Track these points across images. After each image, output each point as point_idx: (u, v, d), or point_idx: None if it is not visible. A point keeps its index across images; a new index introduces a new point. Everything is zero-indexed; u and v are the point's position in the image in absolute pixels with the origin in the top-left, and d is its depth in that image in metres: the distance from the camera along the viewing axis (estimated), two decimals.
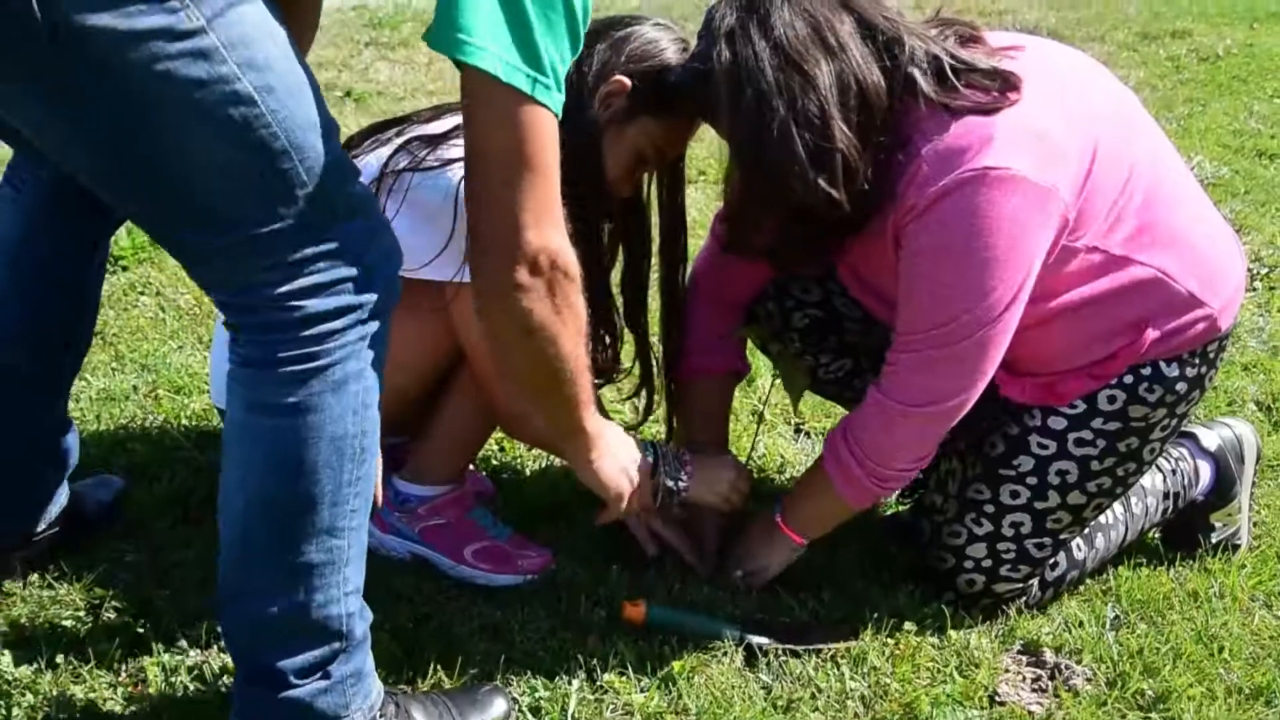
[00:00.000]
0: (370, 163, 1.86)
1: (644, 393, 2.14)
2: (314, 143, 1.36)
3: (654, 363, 2.13)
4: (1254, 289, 3.36)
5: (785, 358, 2.18)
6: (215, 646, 1.81)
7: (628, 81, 1.83)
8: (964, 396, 1.79)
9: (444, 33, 1.37)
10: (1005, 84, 1.71)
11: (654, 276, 2.11)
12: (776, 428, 2.57)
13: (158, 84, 1.25)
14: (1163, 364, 1.88)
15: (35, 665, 1.77)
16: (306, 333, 1.40)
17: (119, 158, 1.33)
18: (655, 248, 2.07)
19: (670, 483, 1.98)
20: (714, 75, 1.70)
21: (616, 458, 1.87)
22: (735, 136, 1.74)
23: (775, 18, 1.68)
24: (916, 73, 1.70)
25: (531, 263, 1.47)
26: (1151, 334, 1.85)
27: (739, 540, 2.06)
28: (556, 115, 1.43)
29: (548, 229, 1.47)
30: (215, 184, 1.33)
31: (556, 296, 1.52)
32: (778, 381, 2.69)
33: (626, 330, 2.10)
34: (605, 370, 2.09)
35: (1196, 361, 1.90)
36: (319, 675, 1.53)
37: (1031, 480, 1.94)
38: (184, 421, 2.42)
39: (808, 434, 2.57)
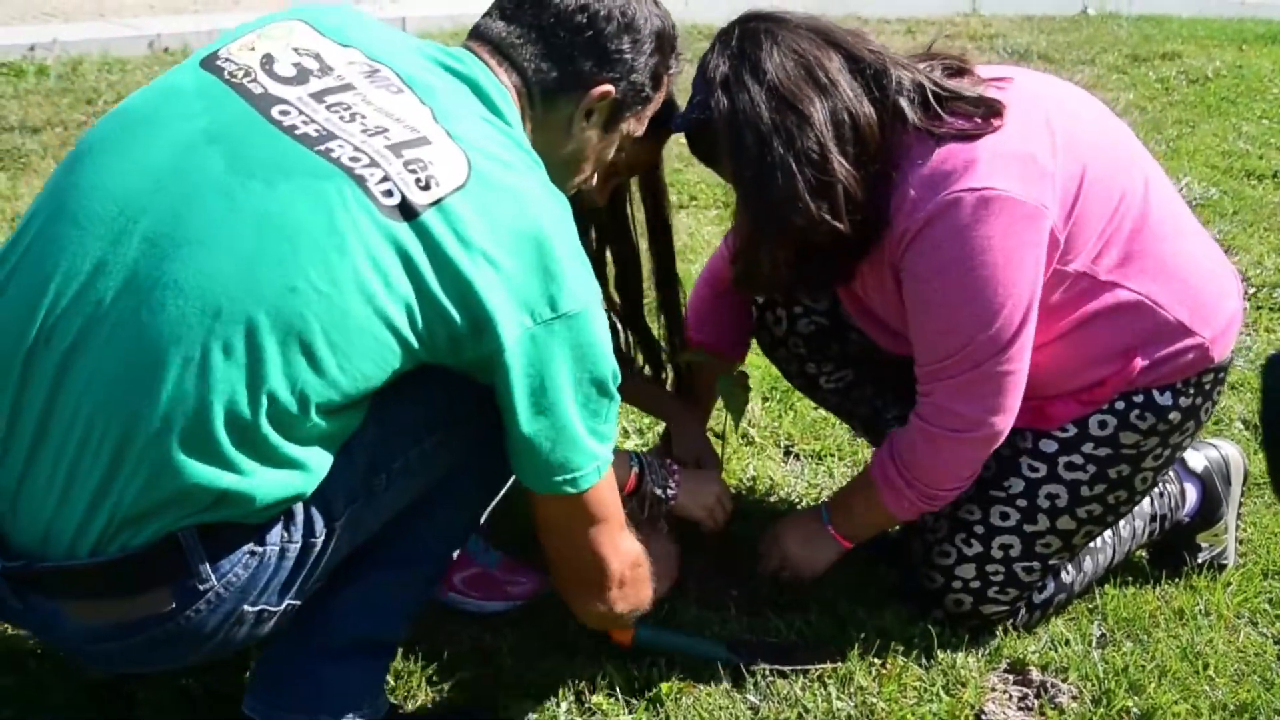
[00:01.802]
0: None
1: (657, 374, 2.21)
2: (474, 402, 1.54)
3: (661, 351, 2.20)
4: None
5: (724, 376, 2.19)
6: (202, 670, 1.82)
7: None
8: (1005, 414, 1.82)
9: (556, 475, 1.50)
10: (989, 110, 1.74)
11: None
12: (766, 450, 2.58)
13: None
14: (1155, 392, 1.89)
15: (29, 696, 1.78)
16: None
17: None
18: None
19: (658, 491, 2.00)
20: (713, 123, 1.74)
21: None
22: (739, 179, 1.77)
23: (766, 61, 1.72)
24: (904, 101, 1.73)
25: (619, 581, 1.64)
26: (1140, 362, 1.86)
27: (774, 540, 2.08)
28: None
29: (623, 546, 1.63)
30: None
31: (638, 583, 1.69)
32: (767, 404, 2.72)
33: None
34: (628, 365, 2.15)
35: (1191, 392, 1.91)
36: (365, 655, 1.64)
37: (1021, 503, 1.95)
38: None
39: (797, 456, 2.59)
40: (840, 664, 1.91)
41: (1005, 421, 1.82)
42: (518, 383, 1.43)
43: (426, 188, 1.38)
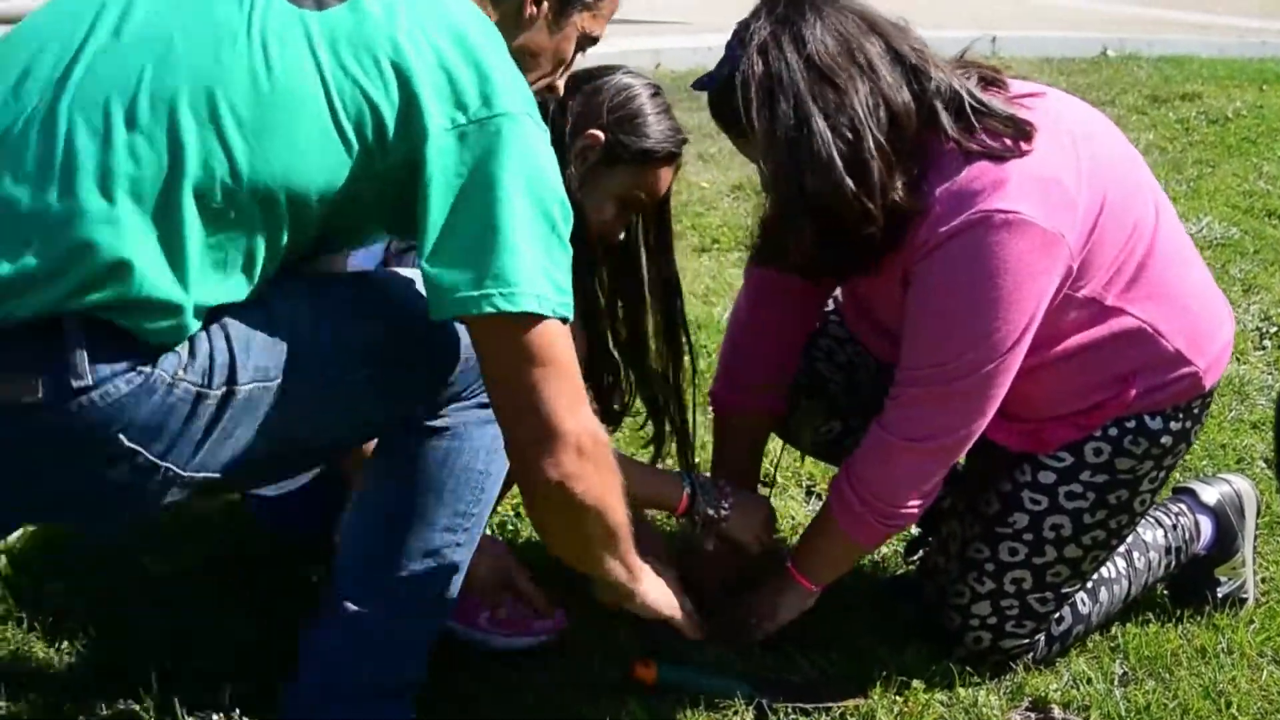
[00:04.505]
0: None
1: (654, 430, 2.18)
2: (423, 356, 1.56)
3: (660, 401, 2.16)
4: (1263, 347, 3.38)
5: (806, 409, 2.21)
6: (237, 710, 1.84)
7: (601, 135, 1.90)
8: (963, 433, 1.82)
9: (483, 288, 1.40)
10: (1019, 132, 1.75)
11: None
12: (788, 490, 2.60)
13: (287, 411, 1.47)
14: (1146, 417, 1.91)
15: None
16: (470, 376, 1.60)
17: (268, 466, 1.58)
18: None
19: (711, 511, 2.01)
20: (745, 85, 1.73)
21: (655, 580, 1.84)
22: (770, 146, 1.74)
23: (808, 33, 1.72)
24: (939, 106, 1.74)
25: (576, 448, 1.48)
26: (1137, 388, 1.88)
27: (753, 591, 2.07)
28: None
29: (581, 411, 1.49)
30: (362, 427, 1.63)
31: (601, 469, 1.53)
32: (788, 445, 2.73)
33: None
34: (615, 416, 2.16)
35: (1180, 416, 1.93)
36: (381, 699, 1.65)
37: (1028, 536, 1.97)
38: None
39: (819, 496, 2.60)
40: (862, 702, 1.92)
41: (962, 441, 1.83)
42: (443, 177, 1.40)
43: None
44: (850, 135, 1.70)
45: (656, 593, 1.83)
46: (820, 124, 1.70)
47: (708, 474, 2.17)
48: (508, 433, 1.51)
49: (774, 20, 1.75)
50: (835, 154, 1.69)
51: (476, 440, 1.64)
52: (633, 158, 1.93)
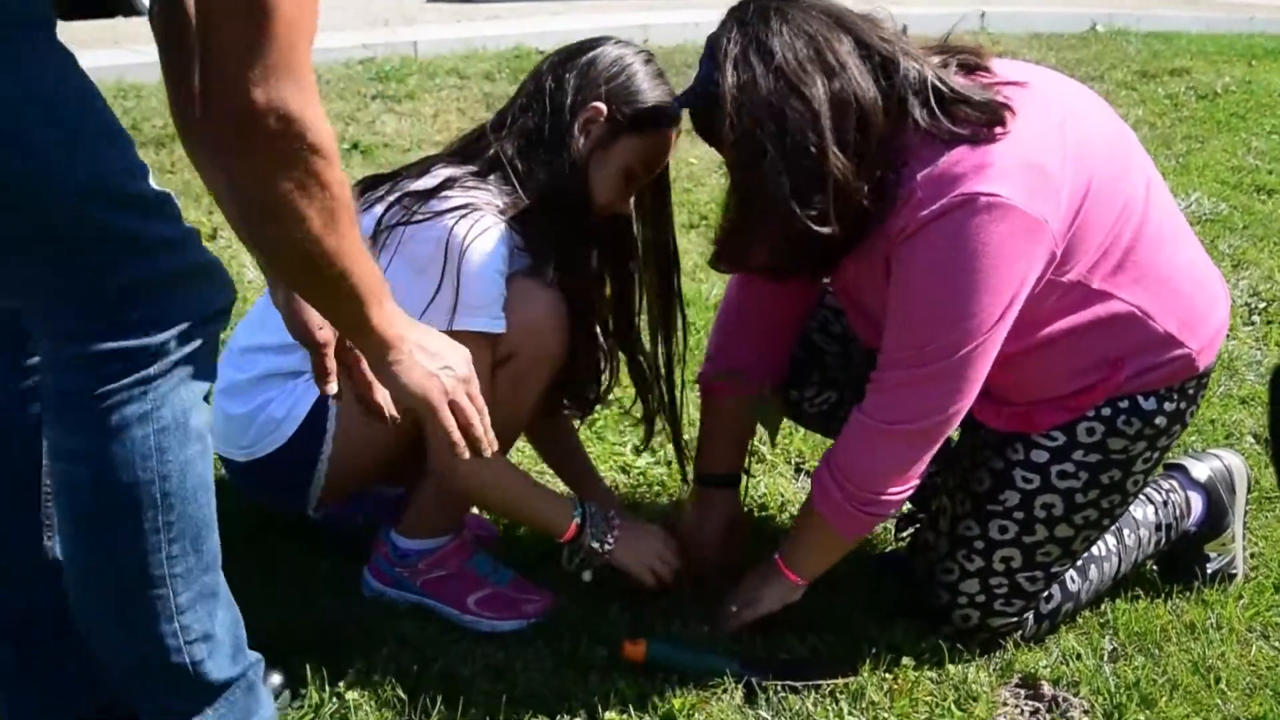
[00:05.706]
0: (364, 220, 1.90)
1: (643, 410, 2.17)
2: (102, 185, 1.30)
3: (648, 375, 2.15)
4: (1252, 323, 3.39)
5: (761, 395, 2.20)
6: None
7: (603, 106, 1.90)
8: (942, 417, 1.80)
9: None
10: (993, 117, 1.74)
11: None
12: (777, 467, 2.60)
13: None
14: (1140, 398, 1.91)
15: None
16: (88, 373, 1.36)
17: None
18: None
19: (595, 544, 2.01)
20: (717, 100, 1.74)
21: (424, 362, 1.52)
22: (732, 163, 1.78)
23: (775, 41, 1.72)
24: (910, 96, 1.74)
25: (261, 125, 1.20)
26: (1127, 370, 1.88)
27: (741, 579, 2.07)
28: None
29: (282, 84, 1.20)
30: None
31: (296, 169, 1.24)
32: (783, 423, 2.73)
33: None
34: (590, 404, 2.16)
35: (1175, 397, 1.92)
36: None
37: (1018, 515, 1.96)
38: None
39: (807, 473, 2.60)
40: (852, 679, 1.92)
41: (942, 425, 1.81)
42: None
43: None
44: (812, 150, 1.70)
45: (414, 374, 1.51)
46: (777, 141, 1.70)
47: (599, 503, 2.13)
48: (200, 84, 1.23)
49: (742, 32, 1.75)
50: (788, 174, 1.70)
51: (118, 454, 1.40)
52: (635, 126, 1.93)
